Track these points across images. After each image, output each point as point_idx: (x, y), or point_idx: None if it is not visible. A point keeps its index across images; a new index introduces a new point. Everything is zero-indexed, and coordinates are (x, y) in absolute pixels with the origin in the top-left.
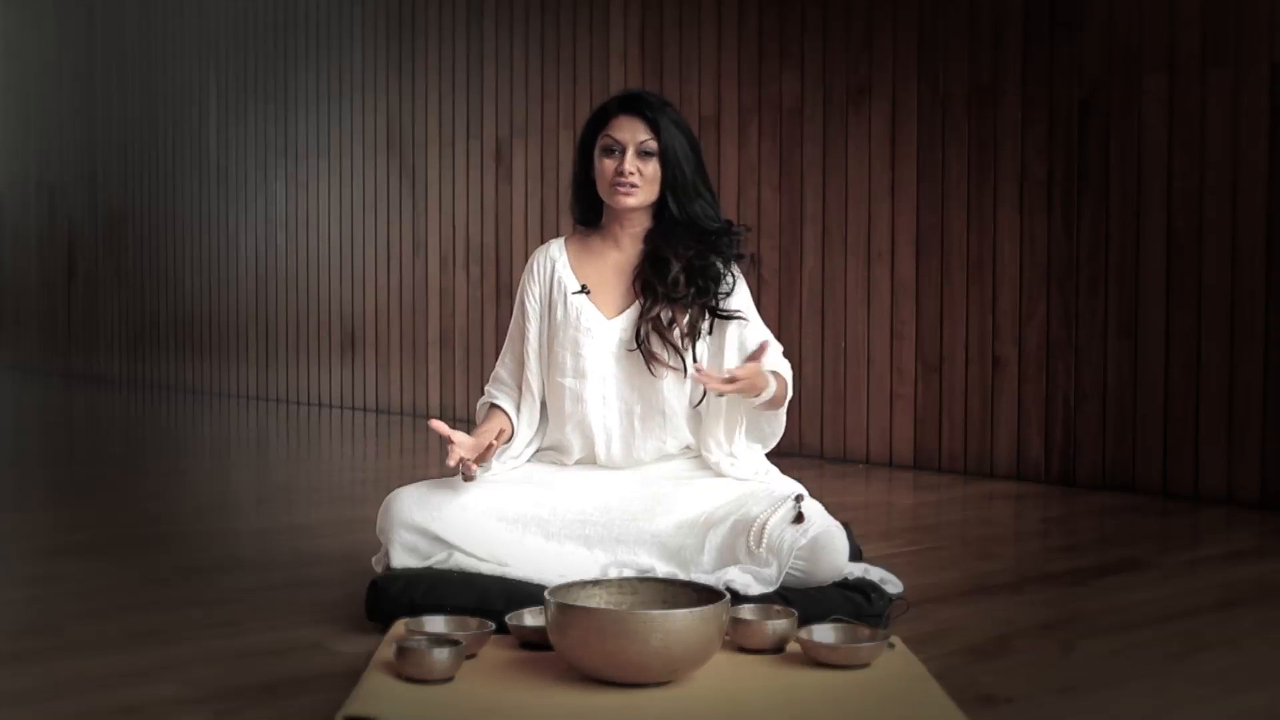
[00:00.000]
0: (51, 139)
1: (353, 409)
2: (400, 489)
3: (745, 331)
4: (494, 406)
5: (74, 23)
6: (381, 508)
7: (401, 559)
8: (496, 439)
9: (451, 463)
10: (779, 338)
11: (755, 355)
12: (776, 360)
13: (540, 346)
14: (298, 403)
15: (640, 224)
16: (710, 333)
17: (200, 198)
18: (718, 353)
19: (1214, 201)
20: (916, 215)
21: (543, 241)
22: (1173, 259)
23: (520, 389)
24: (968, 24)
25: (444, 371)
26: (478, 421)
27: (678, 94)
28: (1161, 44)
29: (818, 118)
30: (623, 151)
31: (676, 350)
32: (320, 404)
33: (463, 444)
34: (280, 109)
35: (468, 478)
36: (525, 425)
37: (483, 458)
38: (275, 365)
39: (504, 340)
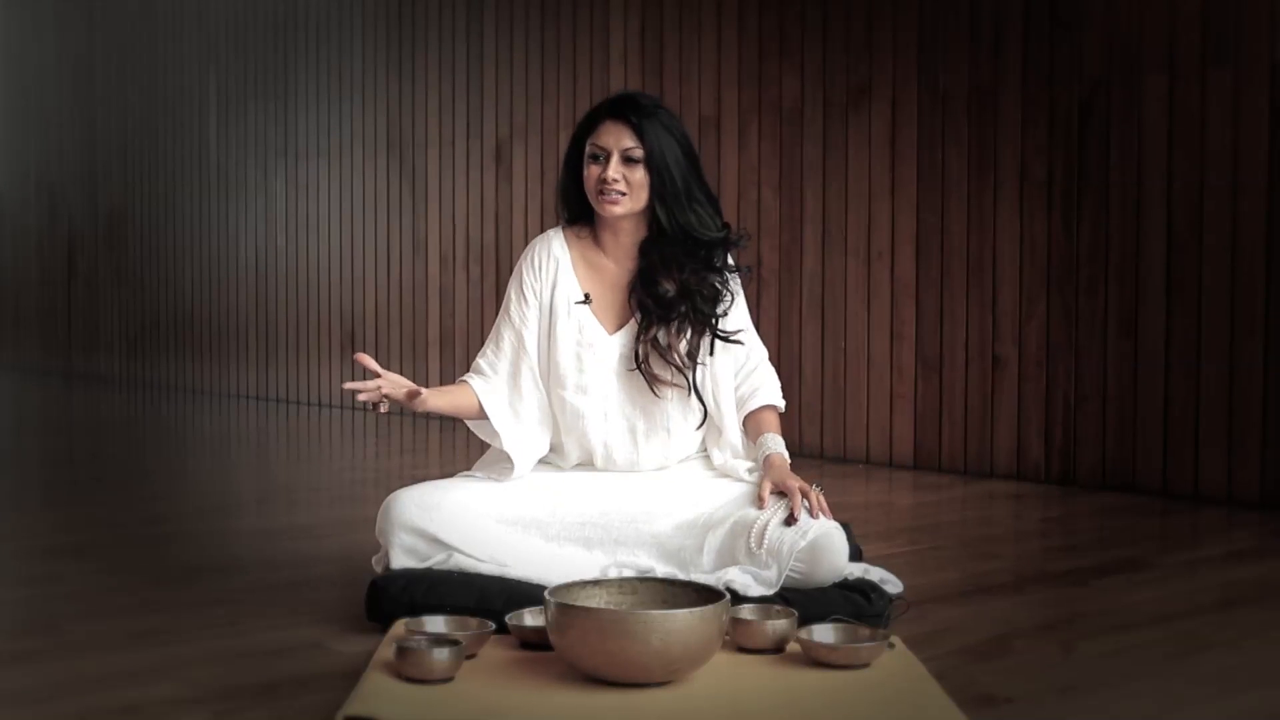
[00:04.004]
0: (51, 139)
1: (353, 409)
2: (400, 491)
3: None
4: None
5: (74, 23)
6: (381, 509)
7: (401, 561)
8: (443, 401)
9: (364, 398)
10: (779, 338)
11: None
12: (775, 434)
13: (538, 345)
14: (298, 403)
15: (633, 233)
16: (712, 353)
17: (200, 198)
18: (713, 368)
19: (1214, 201)
20: (916, 215)
21: None
22: (1173, 259)
23: (506, 384)
24: (968, 24)
25: (444, 371)
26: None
27: (678, 95)
28: (1161, 44)
29: (817, 118)
30: (607, 158)
31: (679, 369)
32: (320, 404)
33: (390, 379)
34: (280, 109)
35: (376, 407)
36: (522, 434)
37: (404, 401)
38: (275, 365)
39: None
